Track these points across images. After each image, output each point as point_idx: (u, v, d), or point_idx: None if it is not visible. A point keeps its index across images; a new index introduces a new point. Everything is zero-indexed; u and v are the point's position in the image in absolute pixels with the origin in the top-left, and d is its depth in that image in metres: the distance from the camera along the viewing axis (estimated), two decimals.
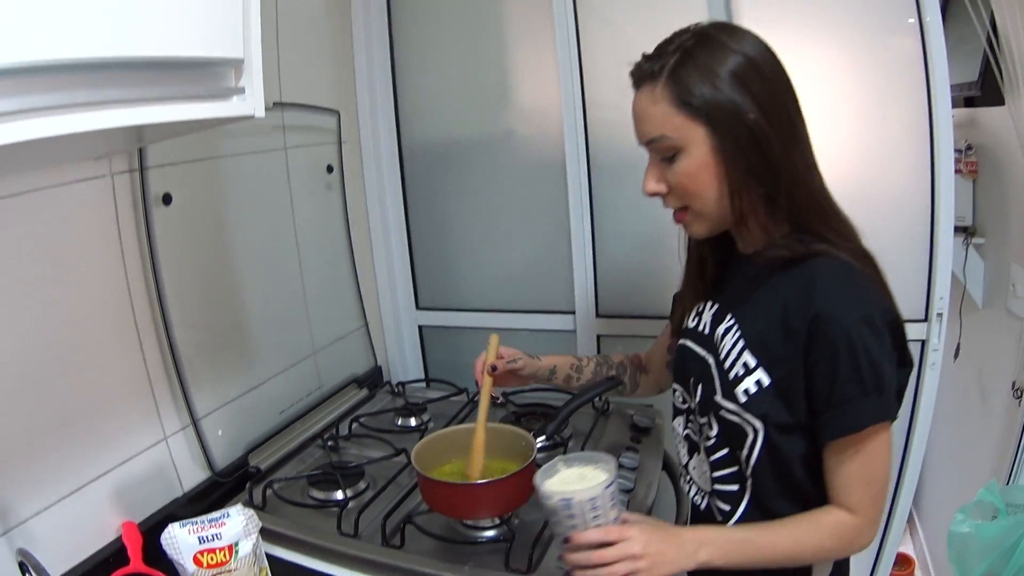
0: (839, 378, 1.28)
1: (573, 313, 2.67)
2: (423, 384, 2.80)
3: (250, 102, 1.27)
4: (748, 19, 2.11)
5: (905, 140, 2.11)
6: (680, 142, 1.34)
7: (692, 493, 1.62)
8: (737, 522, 1.47)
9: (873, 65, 2.13)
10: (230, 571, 1.45)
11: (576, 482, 1.35)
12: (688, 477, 1.63)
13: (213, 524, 1.46)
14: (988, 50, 2.42)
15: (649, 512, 1.82)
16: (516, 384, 1.89)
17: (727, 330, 1.45)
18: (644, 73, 1.37)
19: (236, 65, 1.26)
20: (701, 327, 1.55)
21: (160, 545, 1.44)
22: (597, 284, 2.61)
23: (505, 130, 2.66)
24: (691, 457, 1.62)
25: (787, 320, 1.33)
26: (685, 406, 1.62)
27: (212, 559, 1.44)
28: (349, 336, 2.68)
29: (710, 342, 1.49)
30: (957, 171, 2.05)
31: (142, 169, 1.75)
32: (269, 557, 1.61)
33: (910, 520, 3.71)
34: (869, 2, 2.08)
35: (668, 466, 2.07)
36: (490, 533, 1.70)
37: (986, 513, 2.03)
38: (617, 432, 2.18)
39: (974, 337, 2.83)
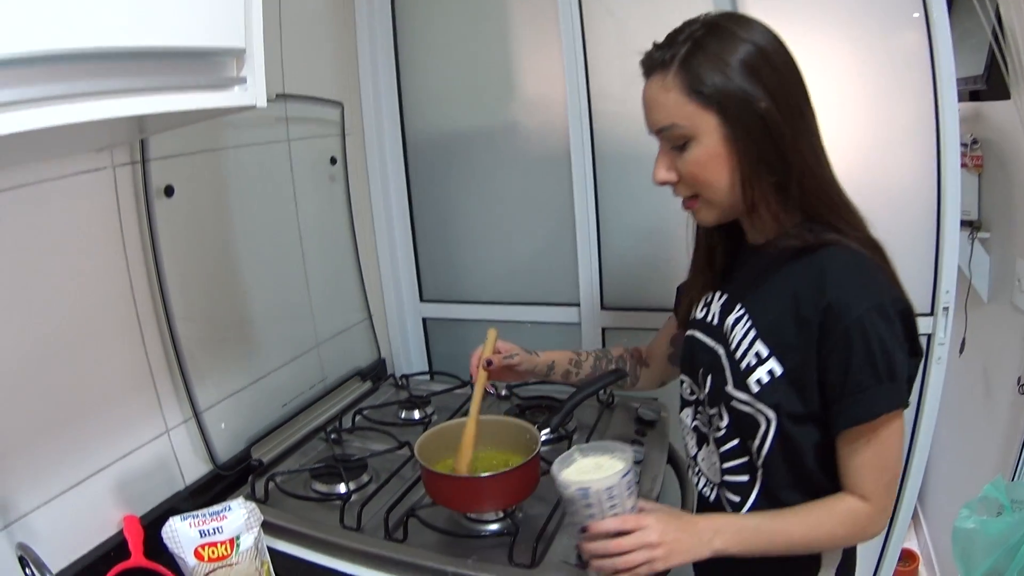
0: (853, 367, 1.28)
1: (578, 306, 2.66)
2: (427, 377, 2.80)
3: (252, 92, 1.26)
4: (753, 12, 2.09)
5: (911, 134, 2.10)
6: (691, 131, 1.33)
7: (701, 485, 1.61)
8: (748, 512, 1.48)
9: (879, 59, 2.11)
10: (231, 565, 1.45)
11: (593, 471, 1.36)
12: (697, 469, 1.63)
13: (214, 518, 1.46)
14: (994, 44, 2.41)
15: None
16: (513, 379, 1.89)
17: (737, 320, 1.45)
18: (655, 62, 1.37)
19: (238, 55, 1.25)
20: (710, 318, 1.55)
21: (161, 539, 1.43)
22: (602, 277, 2.61)
23: (509, 122, 2.65)
24: (700, 449, 1.61)
25: (799, 309, 1.33)
26: (693, 397, 1.61)
27: (213, 553, 1.44)
28: (353, 328, 2.68)
29: (720, 332, 1.49)
30: (963, 165, 2.04)
31: (144, 161, 1.75)
32: (271, 551, 1.60)
33: (914, 516, 3.70)
34: None
35: (673, 459, 2.07)
36: (494, 527, 1.70)
37: (991, 509, 2.02)
38: (622, 425, 2.18)
39: (979, 332, 2.82)
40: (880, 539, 2.36)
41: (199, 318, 1.93)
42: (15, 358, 1.47)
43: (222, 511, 1.47)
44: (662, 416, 2.20)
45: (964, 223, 2.16)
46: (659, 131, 1.39)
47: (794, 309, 1.34)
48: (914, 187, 2.12)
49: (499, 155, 2.68)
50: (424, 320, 2.99)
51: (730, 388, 1.43)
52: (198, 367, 1.91)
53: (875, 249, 1.38)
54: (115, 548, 1.60)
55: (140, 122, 1.37)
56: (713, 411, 1.50)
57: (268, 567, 1.54)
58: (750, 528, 1.38)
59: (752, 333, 1.40)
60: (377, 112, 2.73)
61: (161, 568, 1.56)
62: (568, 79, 2.46)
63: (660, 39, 1.39)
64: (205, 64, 1.22)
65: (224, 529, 1.45)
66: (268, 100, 1.30)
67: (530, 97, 2.61)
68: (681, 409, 1.67)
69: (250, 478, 1.91)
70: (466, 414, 1.74)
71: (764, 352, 1.37)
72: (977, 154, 2.77)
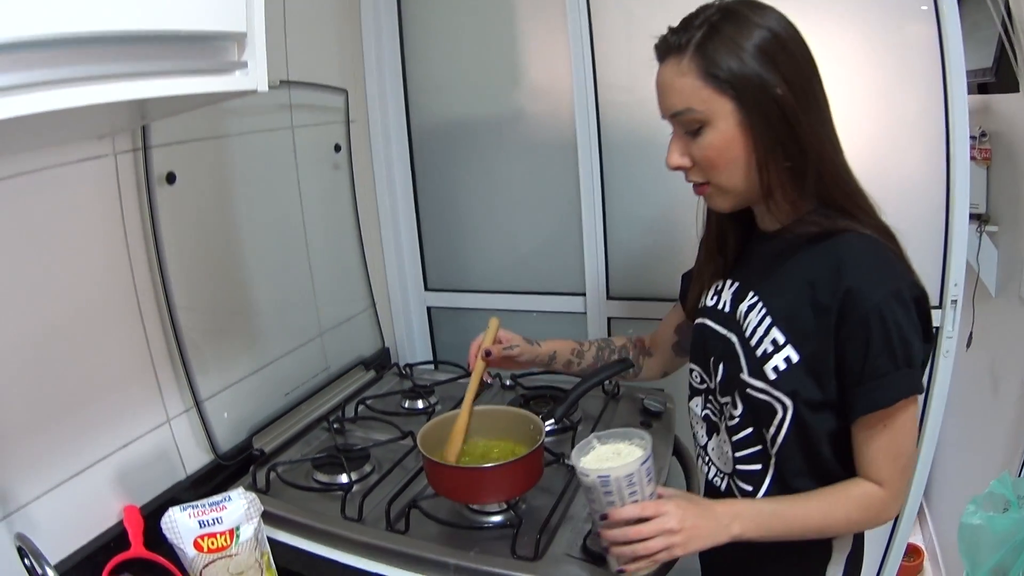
0: (871, 353, 1.28)
1: (583, 295, 2.66)
2: (431, 366, 2.79)
3: (253, 76, 1.25)
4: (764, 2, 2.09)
5: (920, 127, 2.09)
6: (706, 115, 1.33)
7: (711, 475, 1.62)
8: None
9: (888, 51, 2.10)
10: (231, 556, 1.44)
11: (612, 459, 1.38)
12: (707, 458, 1.63)
13: (214, 508, 1.45)
14: (1003, 36, 2.40)
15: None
16: (514, 368, 1.89)
17: (751, 307, 1.45)
18: (670, 46, 1.36)
19: (239, 39, 1.23)
20: (721, 305, 1.55)
21: (161, 529, 1.43)
22: (608, 266, 2.60)
23: (515, 110, 2.64)
24: (710, 438, 1.61)
25: (816, 296, 1.34)
26: (704, 386, 1.61)
27: (213, 543, 1.43)
28: (356, 317, 2.67)
29: (732, 320, 1.50)
30: (971, 158, 2.03)
31: (145, 148, 1.73)
32: (271, 541, 1.60)
33: (920, 511, 3.69)
34: None
35: (679, 451, 2.06)
36: (497, 518, 1.68)
37: (997, 505, 2.01)
38: (627, 416, 2.17)
39: (987, 326, 2.81)
40: (886, 534, 2.36)
41: (201, 306, 1.92)
42: (14, 347, 1.46)
43: (222, 501, 1.47)
44: (668, 407, 2.19)
45: (972, 216, 2.14)
46: (673, 116, 1.38)
47: (811, 295, 1.34)
48: (923, 180, 2.10)
49: (505, 143, 2.67)
50: (428, 309, 2.99)
51: (745, 376, 1.43)
52: (200, 356, 1.90)
53: (888, 236, 1.39)
54: (115, 539, 1.60)
55: (141, 108, 1.36)
56: (725, 399, 1.50)
57: (268, 558, 1.54)
58: (768, 512, 1.39)
59: (768, 320, 1.41)
60: (382, 99, 2.71)
61: (161, 559, 1.55)
62: (575, 69, 2.44)
63: (673, 24, 1.38)
64: (206, 48, 1.20)
65: (224, 520, 1.45)
66: (271, 86, 1.29)
67: (536, 86, 2.60)
68: (690, 398, 1.67)
69: (251, 468, 1.90)
70: None
71: (781, 339, 1.38)
72: (985, 147, 2.76)
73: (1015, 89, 2.40)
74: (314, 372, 2.41)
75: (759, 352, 1.40)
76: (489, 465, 1.64)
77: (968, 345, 2.82)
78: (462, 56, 2.67)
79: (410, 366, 2.65)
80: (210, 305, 1.98)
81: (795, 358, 1.36)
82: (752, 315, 1.44)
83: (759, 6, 1.35)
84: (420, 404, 2.33)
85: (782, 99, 1.29)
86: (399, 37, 2.69)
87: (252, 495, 1.51)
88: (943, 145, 2.06)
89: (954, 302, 2.11)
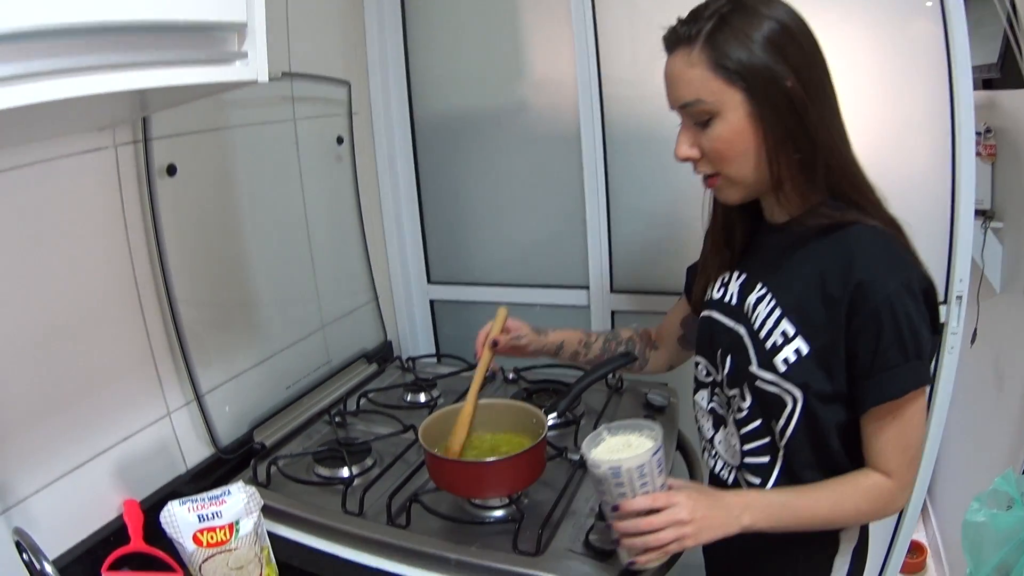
0: (882, 346, 1.29)
1: (587, 288, 2.65)
2: (434, 359, 2.78)
3: (253, 67, 1.25)
4: None
5: (925, 123, 2.08)
6: (716, 106, 1.33)
7: (718, 468, 1.62)
8: None
9: (893, 47, 2.10)
10: (230, 550, 1.43)
11: (623, 450, 1.38)
12: (714, 451, 1.63)
13: (213, 502, 1.44)
14: (1008, 32, 2.39)
15: None
16: (521, 357, 1.89)
17: (760, 299, 1.45)
18: (680, 37, 1.36)
19: (239, 29, 1.23)
20: (728, 298, 1.55)
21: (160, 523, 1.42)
22: (612, 259, 2.60)
23: (519, 102, 2.63)
24: (717, 431, 1.61)
25: (826, 288, 1.34)
26: (710, 379, 1.61)
27: (212, 538, 1.42)
28: (359, 310, 2.66)
29: (740, 312, 1.50)
30: (976, 154, 2.03)
31: (146, 140, 1.73)
32: (271, 536, 1.59)
33: (923, 508, 3.69)
34: None
35: (683, 445, 2.05)
36: (498, 513, 1.67)
37: (1001, 503, 2.01)
38: (631, 410, 2.16)
39: (991, 322, 2.80)
40: (890, 530, 2.36)
41: (201, 299, 1.92)
42: (13, 340, 1.45)
43: (221, 495, 1.46)
44: (671, 402, 2.18)
45: (977, 212, 2.14)
46: (682, 107, 1.38)
47: (820, 287, 1.35)
48: (928, 176, 2.10)
49: (508, 136, 2.66)
50: (431, 302, 2.98)
51: (755, 368, 1.43)
52: (200, 349, 1.89)
53: (896, 228, 1.40)
54: (115, 533, 1.59)
55: (141, 99, 1.36)
56: (733, 392, 1.50)
57: (268, 552, 1.53)
58: (778, 503, 1.40)
59: (777, 312, 1.41)
60: (385, 91, 2.71)
61: (160, 553, 1.55)
62: (579, 63, 2.43)
63: (681, 16, 1.38)
64: (206, 38, 1.20)
65: (223, 514, 1.44)
66: (272, 78, 1.29)
67: (540, 78, 2.59)
68: (696, 391, 1.67)
69: (252, 462, 1.89)
70: None
71: (791, 331, 1.38)
72: (990, 143, 2.76)
73: (1020, 85, 2.39)
74: (316, 365, 2.40)
75: (768, 344, 1.41)
76: (491, 459, 1.63)
77: (972, 341, 2.82)
78: (466, 48, 2.66)
79: (412, 359, 2.64)
80: (211, 298, 1.97)
81: (805, 350, 1.36)
82: (761, 307, 1.44)
83: None
84: (422, 398, 2.32)
85: (792, 90, 1.29)
86: (402, 29, 2.68)
87: (252, 489, 1.50)
88: (948, 141, 2.05)
89: (959, 298, 2.10)
